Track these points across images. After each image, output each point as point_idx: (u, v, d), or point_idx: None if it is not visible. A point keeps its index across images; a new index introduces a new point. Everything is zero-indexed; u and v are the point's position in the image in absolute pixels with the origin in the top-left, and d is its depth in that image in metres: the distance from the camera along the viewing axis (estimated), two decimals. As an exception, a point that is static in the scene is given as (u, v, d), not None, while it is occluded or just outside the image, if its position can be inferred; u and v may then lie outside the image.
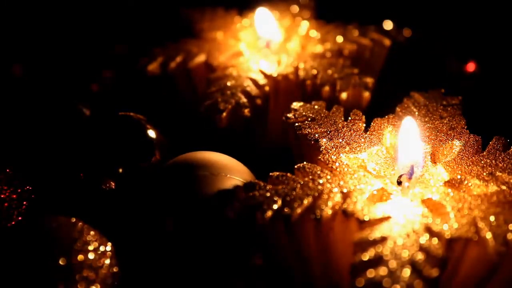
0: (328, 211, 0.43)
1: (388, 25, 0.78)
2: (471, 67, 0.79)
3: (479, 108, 0.67)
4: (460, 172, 0.48)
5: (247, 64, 0.66)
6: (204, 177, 0.50)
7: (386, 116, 0.55)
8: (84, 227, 0.47)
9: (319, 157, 0.49)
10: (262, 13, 0.73)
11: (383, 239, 0.40)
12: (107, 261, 0.46)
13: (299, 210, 0.43)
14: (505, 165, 0.48)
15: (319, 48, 0.69)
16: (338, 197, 0.44)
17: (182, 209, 0.49)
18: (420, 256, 0.39)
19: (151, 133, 0.58)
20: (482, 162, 0.49)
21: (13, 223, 0.53)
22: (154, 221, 0.51)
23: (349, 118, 0.54)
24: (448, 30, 0.85)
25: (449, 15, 0.88)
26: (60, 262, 0.44)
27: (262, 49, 0.70)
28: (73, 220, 0.47)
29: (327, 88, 0.62)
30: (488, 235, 0.40)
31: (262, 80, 0.63)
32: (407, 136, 0.50)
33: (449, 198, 0.45)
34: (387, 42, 0.71)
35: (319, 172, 0.46)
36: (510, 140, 0.51)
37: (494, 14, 0.86)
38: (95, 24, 0.89)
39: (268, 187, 0.45)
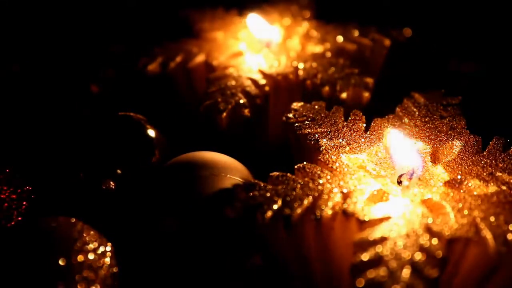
0: (328, 211, 0.43)
1: (388, 25, 0.78)
2: (471, 67, 0.79)
3: (479, 108, 0.67)
4: (460, 172, 0.48)
5: (247, 64, 0.66)
6: (204, 177, 0.50)
7: (386, 116, 0.55)
8: (84, 227, 0.47)
9: (319, 157, 0.49)
10: (253, 18, 0.72)
11: (383, 239, 0.40)
12: (107, 262, 0.46)
13: (299, 210, 0.43)
14: (505, 165, 0.48)
15: (319, 48, 0.69)
16: (338, 197, 0.44)
17: (182, 209, 0.49)
18: (420, 256, 0.39)
19: (151, 133, 0.58)
20: (482, 162, 0.49)
21: (13, 223, 0.53)
22: (154, 221, 0.51)
23: (349, 118, 0.54)
24: (448, 30, 0.85)
25: (449, 15, 0.88)
26: (60, 262, 0.44)
27: (262, 49, 0.70)
28: (73, 220, 0.47)
29: (327, 88, 0.62)
30: (488, 235, 0.40)
31: (262, 80, 0.63)
32: (400, 144, 0.49)
33: (449, 198, 0.45)
34: (387, 42, 0.71)
35: (319, 172, 0.46)
36: (510, 140, 0.51)
37: (494, 14, 0.86)
38: (95, 24, 0.89)
39: (268, 187, 0.45)
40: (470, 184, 0.46)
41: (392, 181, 0.48)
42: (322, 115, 0.55)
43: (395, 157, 0.49)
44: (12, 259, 0.45)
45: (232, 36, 0.73)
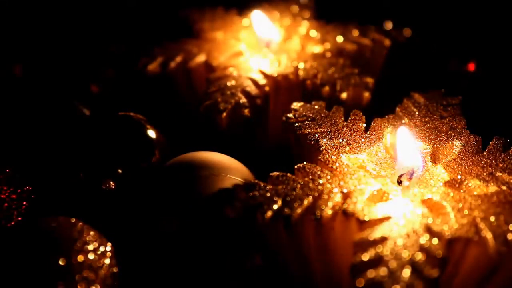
0: (328, 211, 0.43)
1: (388, 25, 0.78)
2: (471, 67, 0.79)
3: (479, 108, 0.67)
4: (460, 172, 0.48)
5: (247, 64, 0.66)
6: (204, 177, 0.50)
7: (386, 116, 0.55)
8: (84, 227, 0.47)
9: (319, 157, 0.49)
10: (258, 15, 0.73)
11: (383, 239, 0.40)
12: (107, 262, 0.46)
13: (299, 210, 0.43)
14: (505, 165, 0.48)
15: (319, 48, 0.69)
16: (338, 197, 0.44)
17: (182, 209, 0.49)
18: (420, 256, 0.39)
19: (151, 133, 0.58)
20: (482, 162, 0.49)
21: (13, 223, 0.53)
22: (154, 221, 0.51)
23: (349, 118, 0.54)
24: (448, 30, 0.85)
25: (449, 15, 0.88)
26: (60, 262, 0.44)
27: (262, 49, 0.70)
28: (73, 220, 0.47)
29: (327, 88, 0.62)
30: (489, 235, 0.40)
31: (262, 80, 0.63)
32: (405, 142, 0.50)
33: (449, 198, 0.45)
34: (387, 42, 0.71)
35: (319, 172, 0.46)
36: (510, 140, 0.51)
37: (494, 14, 0.86)
38: (95, 24, 0.89)
39: (268, 187, 0.45)
40: (470, 184, 0.46)
41: (392, 181, 0.48)
42: (322, 115, 0.55)
43: (397, 154, 0.49)
44: (12, 259, 0.45)
45: (232, 36, 0.73)
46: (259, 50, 0.70)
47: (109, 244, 0.47)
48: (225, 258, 0.49)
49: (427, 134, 0.53)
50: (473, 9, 0.87)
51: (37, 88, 0.74)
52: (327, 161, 0.48)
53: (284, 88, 0.64)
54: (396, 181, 0.48)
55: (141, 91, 0.74)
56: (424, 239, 0.40)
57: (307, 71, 0.64)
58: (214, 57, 0.68)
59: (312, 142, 0.51)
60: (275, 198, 0.44)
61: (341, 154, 0.49)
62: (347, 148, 0.50)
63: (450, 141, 0.52)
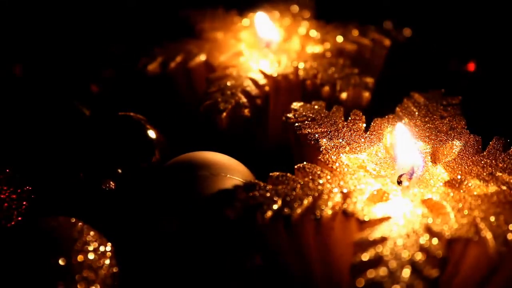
0: (328, 211, 0.43)
1: (388, 25, 0.78)
2: (471, 67, 0.79)
3: (479, 108, 0.67)
4: (460, 172, 0.48)
5: (247, 64, 0.66)
6: (204, 177, 0.50)
7: (386, 116, 0.55)
8: (84, 227, 0.47)
9: (319, 157, 0.49)
10: (261, 17, 0.73)
11: (383, 239, 0.40)
12: (107, 262, 0.46)
13: (299, 210, 0.43)
14: (505, 165, 0.48)
15: (319, 48, 0.69)
16: (338, 197, 0.44)
17: (182, 209, 0.49)
18: (420, 256, 0.39)
19: (151, 133, 0.58)
20: (482, 162, 0.49)
21: (13, 223, 0.53)
22: (154, 221, 0.51)
23: (349, 118, 0.54)
24: (448, 30, 0.85)
25: (449, 15, 0.88)
26: (60, 262, 0.44)
27: (262, 49, 0.70)
28: (73, 220, 0.47)
29: (327, 88, 0.62)
30: (489, 235, 0.40)
31: (262, 80, 0.63)
32: (404, 140, 0.50)
33: (449, 198, 0.45)
34: (387, 42, 0.71)
35: (319, 172, 0.46)
36: (510, 140, 0.51)
37: (494, 14, 0.86)
38: (95, 24, 0.89)
39: (268, 187, 0.45)
40: (470, 184, 0.46)
41: (392, 181, 0.48)
42: (322, 115, 0.55)
43: (397, 153, 0.49)
44: (12, 259, 0.45)
45: (232, 36, 0.73)
46: (259, 50, 0.70)
47: (109, 244, 0.47)
48: (225, 258, 0.49)
49: (427, 134, 0.53)
50: (473, 9, 0.87)
51: (37, 88, 0.74)
52: (327, 161, 0.48)
53: (284, 88, 0.64)
54: (396, 181, 0.48)
55: (141, 91, 0.74)
56: (424, 239, 0.40)
57: (307, 71, 0.64)
58: (214, 57, 0.68)
59: (312, 142, 0.51)
60: (275, 198, 0.44)
61: (341, 154, 0.49)
62: (347, 148, 0.50)
63: (450, 141, 0.52)
